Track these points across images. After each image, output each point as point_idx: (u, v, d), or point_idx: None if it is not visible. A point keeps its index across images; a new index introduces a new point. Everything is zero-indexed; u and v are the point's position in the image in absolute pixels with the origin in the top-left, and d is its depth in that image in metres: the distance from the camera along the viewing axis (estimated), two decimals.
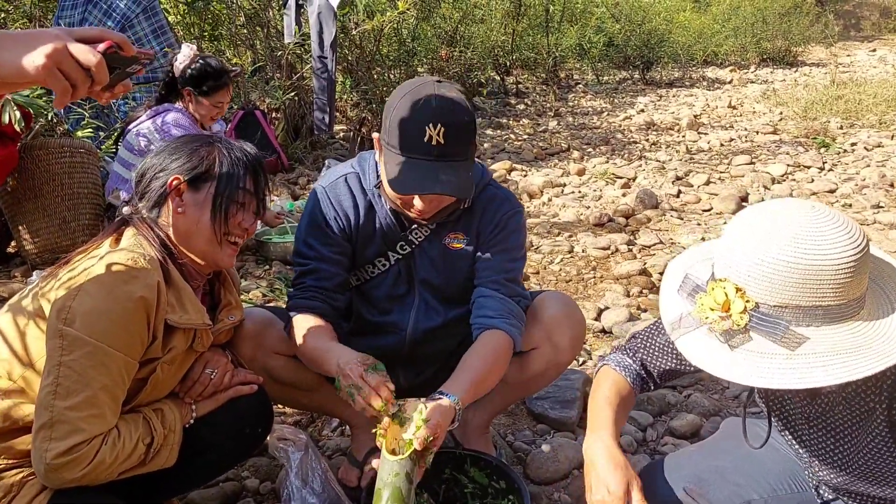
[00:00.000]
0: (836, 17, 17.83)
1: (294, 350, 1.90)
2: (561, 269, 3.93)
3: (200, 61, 3.53)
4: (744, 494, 1.54)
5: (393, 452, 1.52)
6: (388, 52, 7.52)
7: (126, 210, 1.68)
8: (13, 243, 3.96)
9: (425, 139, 1.70)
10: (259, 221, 4.03)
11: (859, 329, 1.15)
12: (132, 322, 1.46)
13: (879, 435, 1.33)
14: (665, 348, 1.60)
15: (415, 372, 2.17)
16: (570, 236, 4.44)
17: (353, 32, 6.49)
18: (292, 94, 6.04)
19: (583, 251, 4.18)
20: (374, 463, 1.56)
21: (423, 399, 1.64)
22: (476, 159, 1.98)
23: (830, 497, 1.56)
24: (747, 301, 1.14)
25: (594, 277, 3.83)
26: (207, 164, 1.65)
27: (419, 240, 1.99)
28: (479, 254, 1.99)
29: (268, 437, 2.34)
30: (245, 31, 6.65)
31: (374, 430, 1.58)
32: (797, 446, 1.52)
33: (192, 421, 1.69)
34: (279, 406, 2.61)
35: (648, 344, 1.63)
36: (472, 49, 8.95)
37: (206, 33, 6.88)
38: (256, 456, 2.33)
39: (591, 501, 1.43)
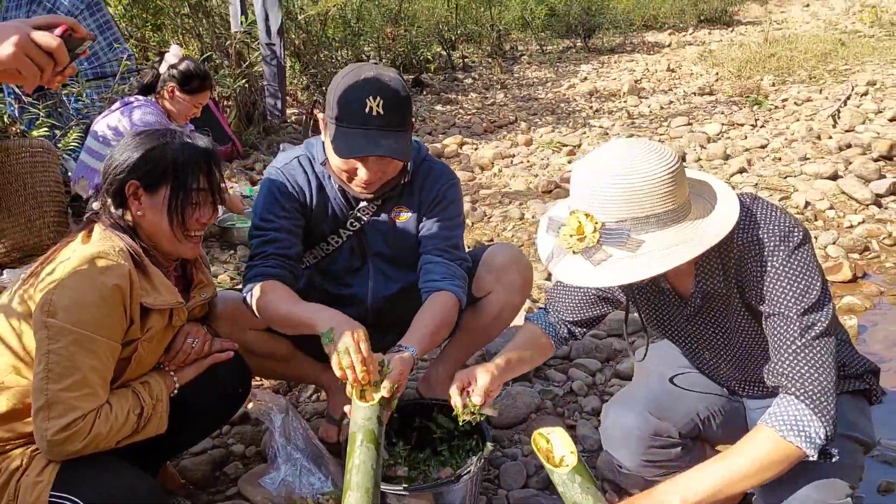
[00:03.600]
0: None
1: (263, 315, 1.99)
2: (513, 235, 4.17)
3: (190, 62, 3.67)
4: (692, 409, 1.81)
5: (363, 400, 1.71)
6: (334, 34, 7.62)
7: (95, 206, 1.81)
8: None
9: (366, 110, 1.88)
10: (224, 207, 4.19)
11: (685, 229, 1.41)
12: (110, 309, 1.60)
13: (743, 319, 1.59)
14: (568, 305, 1.88)
15: (379, 337, 2.36)
16: (521, 204, 4.66)
17: (299, 17, 6.57)
18: (243, 81, 6.12)
19: (533, 217, 4.41)
20: (347, 409, 1.74)
21: (384, 354, 1.83)
22: (415, 137, 2.17)
23: (740, 391, 1.83)
24: (595, 222, 1.39)
25: None
26: (161, 167, 1.74)
27: (367, 216, 2.16)
28: (422, 224, 2.18)
29: (249, 404, 2.54)
30: (190, 20, 6.68)
31: (345, 384, 1.77)
32: (699, 352, 1.79)
33: (176, 390, 1.84)
34: (257, 379, 2.81)
35: (556, 301, 1.92)
36: (417, 26, 9.08)
37: (148, 23, 6.90)
38: (240, 424, 2.53)
39: None
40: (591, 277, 1.42)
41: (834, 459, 1.43)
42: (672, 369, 1.90)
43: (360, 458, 1.60)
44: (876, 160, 4.90)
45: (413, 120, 2.08)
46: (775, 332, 1.47)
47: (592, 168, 1.42)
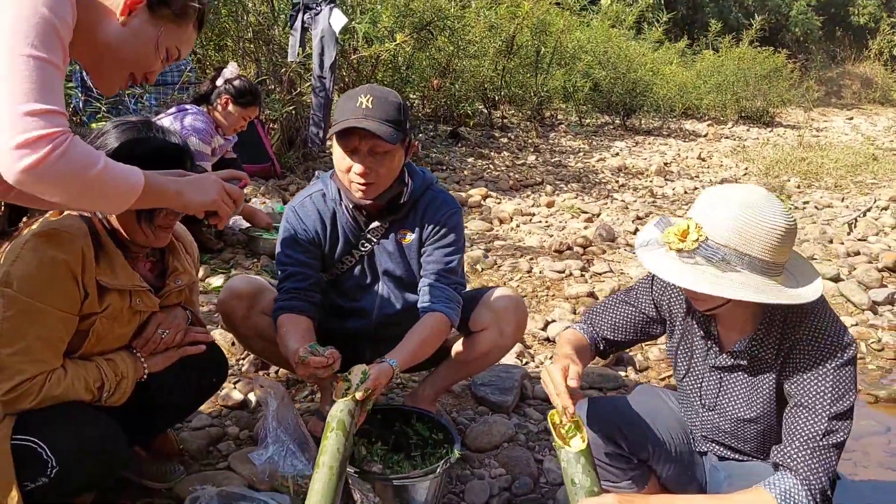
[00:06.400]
0: (818, 84, 18.59)
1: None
2: (518, 286, 4.38)
3: (244, 79, 4.06)
4: (657, 438, 2.01)
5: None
6: (382, 78, 7.99)
7: None
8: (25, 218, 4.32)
9: (356, 105, 2.14)
10: (251, 224, 4.47)
11: (770, 283, 1.61)
12: (59, 281, 1.73)
13: (768, 392, 1.79)
14: (609, 322, 2.10)
15: (377, 349, 2.58)
16: (531, 259, 4.89)
17: (352, 57, 6.95)
18: (290, 107, 6.47)
19: (540, 272, 4.63)
20: (327, 408, 2.00)
21: (367, 365, 2.08)
22: (443, 185, 2.42)
23: (704, 448, 2.03)
24: (701, 234, 1.60)
25: (547, 295, 4.28)
26: (132, 164, 1.82)
27: (377, 237, 2.41)
28: (424, 250, 2.41)
29: (251, 392, 2.76)
30: (251, 45, 7.09)
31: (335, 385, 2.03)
32: (696, 397, 1.98)
33: (145, 375, 1.97)
34: (265, 369, 3.03)
35: (596, 317, 2.13)
36: (463, 81, 9.45)
37: (212, 42, 7.33)
38: (239, 409, 2.74)
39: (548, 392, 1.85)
40: (674, 274, 1.61)
41: None
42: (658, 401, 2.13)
43: (329, 443, 1.83)
44: (880, 270, 5.06)
45: (411, 135, 2.33)
46: (799, 423, 1.68)
47: (726, 194, 1.62)
